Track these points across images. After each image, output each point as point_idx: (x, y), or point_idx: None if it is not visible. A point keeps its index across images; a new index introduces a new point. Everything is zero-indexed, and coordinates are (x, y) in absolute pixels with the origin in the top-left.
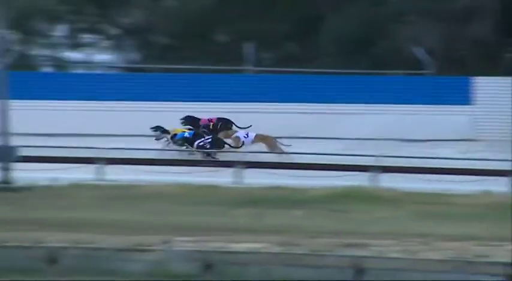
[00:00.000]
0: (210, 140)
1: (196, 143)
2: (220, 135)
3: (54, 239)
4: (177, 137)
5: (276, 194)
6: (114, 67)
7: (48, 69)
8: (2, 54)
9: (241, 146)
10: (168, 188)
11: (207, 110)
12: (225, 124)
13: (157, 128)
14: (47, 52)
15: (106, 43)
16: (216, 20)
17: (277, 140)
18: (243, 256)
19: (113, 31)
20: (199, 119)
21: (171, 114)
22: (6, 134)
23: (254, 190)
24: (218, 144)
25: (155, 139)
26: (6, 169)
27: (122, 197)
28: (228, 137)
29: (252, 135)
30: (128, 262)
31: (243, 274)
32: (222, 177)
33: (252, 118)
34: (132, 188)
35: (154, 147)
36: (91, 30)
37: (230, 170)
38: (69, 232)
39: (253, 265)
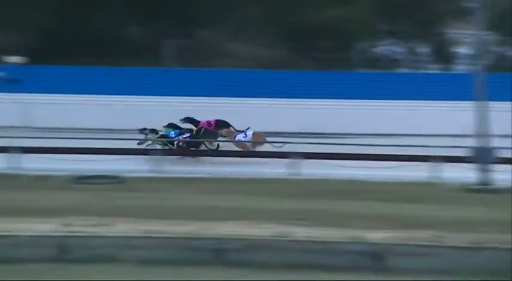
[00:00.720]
0: (187, 137)
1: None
2: (224, 135)
3: None
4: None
5: None
6: None
7: None
8: (480, 55)
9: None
10: None
11: None
12: (223, 126)
13: (143, 130)
14: None
15: None
16: None
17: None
18: None
19: None
20: (198, 121)
21: None
22: (485, 135)
23: None
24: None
25: (138, 144)
26: (485, 171)
27: None
28: (231, 138)
29: (249, 134)
30: None
31: None
32: None
33: None
34: None
35: None
36: None
37: None
38: None
39: None
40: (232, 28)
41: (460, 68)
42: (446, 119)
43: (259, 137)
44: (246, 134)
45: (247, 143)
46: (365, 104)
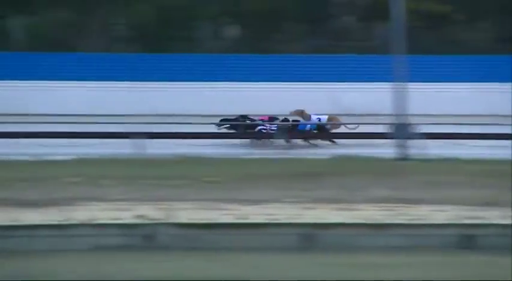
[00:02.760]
0: (275, 127)
1: (258, 128)
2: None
3: None
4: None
5: None
6: None
7: None
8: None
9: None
10: None
11: None
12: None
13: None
14: None
15: None
16: None
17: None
18: None
19: None
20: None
21: None
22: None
23: None
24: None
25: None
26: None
27: None
28: (307, 120)
29: (324, 118)
30: None
31: None
32: None
33: None
34: None
35: None
36: None
37: None
38: None
39: None
40: None
41: None
42: None
43: (335, 120)
44: (319, 119)
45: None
46: None
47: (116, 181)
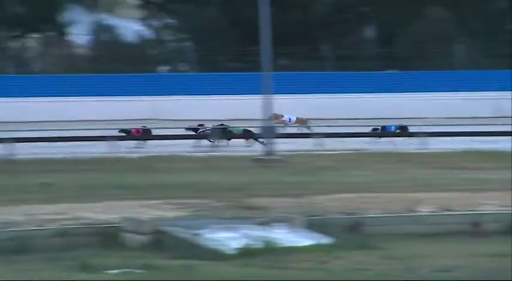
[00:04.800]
0: (210, 129)
1: (198, 131)
2: (274, 118)
3: None
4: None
5: None
6: None
7: None
8: None
9: (285, 126)
10: None
11: None
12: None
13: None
14: None
15: None
16: None
17: (309, 121)
18: None
19: None
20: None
21: None
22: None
23: None
24: (223, 133)
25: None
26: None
27: None
28: (278, 119)
29: (293, 118)
30: None
31: None
32: None
33: None
34: None
35: None
36: None
37: None
38: None
39: None
40: None
41: None
42: None
43: (302, 121)
44: (290, 118)
45: (287, 122)
46: None
47: None
